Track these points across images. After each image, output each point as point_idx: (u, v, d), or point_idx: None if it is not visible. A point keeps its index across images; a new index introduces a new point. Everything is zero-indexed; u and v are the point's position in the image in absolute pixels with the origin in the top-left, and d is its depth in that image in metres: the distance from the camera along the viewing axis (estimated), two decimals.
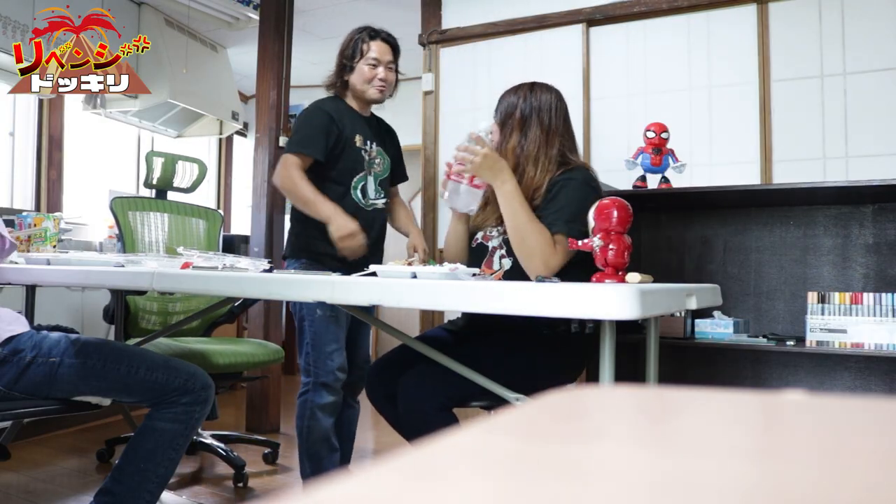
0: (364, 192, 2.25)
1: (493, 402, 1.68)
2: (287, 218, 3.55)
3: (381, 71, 2.23)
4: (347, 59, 2.24)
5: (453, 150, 1.72)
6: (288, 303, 2.24)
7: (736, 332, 2.25)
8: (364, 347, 2.38)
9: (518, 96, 1.83)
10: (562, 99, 1.86)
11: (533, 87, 1.84)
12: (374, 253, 2.30)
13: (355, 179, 2.23)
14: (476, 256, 1.87)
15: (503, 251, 1.80)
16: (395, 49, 2.29)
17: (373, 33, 2.25)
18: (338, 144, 2.20)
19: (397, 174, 2.42)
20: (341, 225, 2.04)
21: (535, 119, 1.79)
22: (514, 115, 1.81)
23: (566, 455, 0.28)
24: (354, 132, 2.24)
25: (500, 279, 1.72)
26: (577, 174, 1.75)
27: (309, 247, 2.21)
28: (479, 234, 1.88)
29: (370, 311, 2.11)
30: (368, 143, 2.28)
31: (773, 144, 2.67)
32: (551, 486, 0.23)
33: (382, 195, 2.31)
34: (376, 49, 2.23)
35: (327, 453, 2.16)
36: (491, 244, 1.84)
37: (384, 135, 2.38)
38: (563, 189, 1.72)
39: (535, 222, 1.65)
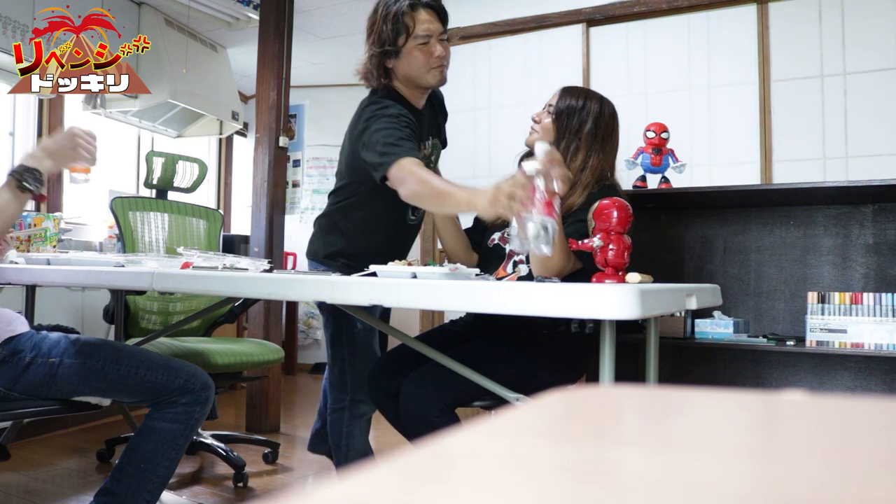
0: (415, 208, 1.88)
1: (496, 402, 1.67)
2: (287, 218, 3.56)
3: (437, 48, 1.77)
4: (389, 41, 1.76)
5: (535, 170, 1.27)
6: (323, 308, 1.96)
7: (736, 332, 2.25)
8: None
9: (587, 107, 1.75)
10: (616, 117, 1.81)
11: (602, 102, 1.78)
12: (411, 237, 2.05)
13: None
14: (490, 256, 1.85)
15: (521, 257, 1.77)
16: (443, 15, 1.81)
17: (412, 2, 1.76)
18: None
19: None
20: (496, 190, 1.37)
21: (599, 142, 1.74)
22: (581, 130, 1.73)
23: (566, 455, 0.28)
24: (421, 139, 1.86)
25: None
26: (612, 192, 1.68)
27: (344, 249, 1.94)
28: (496, 235, 1.86)
29: (373, 311, 2.03)
30: (425, 142, 1.91)
31: (773, 144, 2.67)
32: (552, 485, 0.23)
33: None
34: (424, 20, 1.76)
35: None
36: (509, 247, 1.81)
37: (437, 115, 2.00)
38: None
39: (563, 241, 1.53)
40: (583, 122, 1.73)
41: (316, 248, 2.00)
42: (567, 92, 1.80)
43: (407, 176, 1.60)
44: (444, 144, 2.07)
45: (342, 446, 1.97)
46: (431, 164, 1.94)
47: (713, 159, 2.77)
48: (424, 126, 1.87)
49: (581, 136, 1.73)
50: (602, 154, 1.74)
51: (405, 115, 1.75)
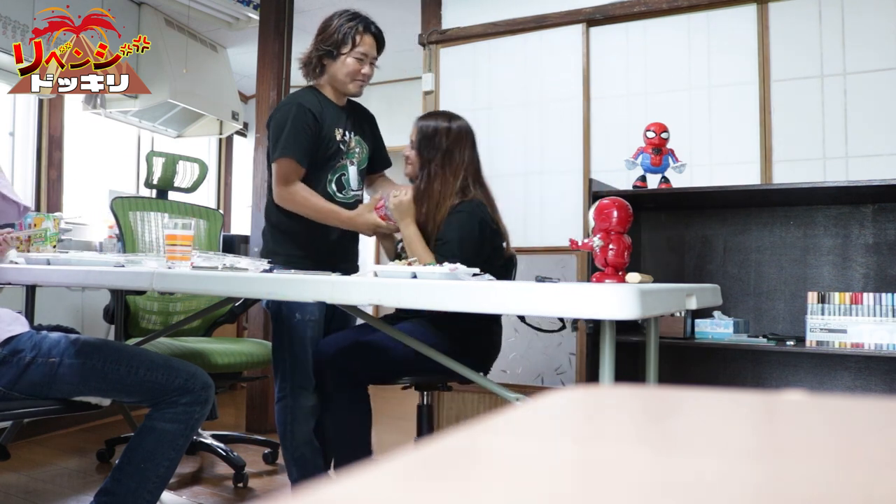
0: (341, 184, 2.19)
1: (414, 380, 1.99)
2: None
3: (366, 67, 2.16)
4: (334, 45, 2.13)
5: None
6: (268, 303, 2.18)
7: (736, 332, 2.25)
8: None
9: (439, 131, 2.02)
10: (470, 130, 2.07)
11: (450, 120, 2.04)
12: (350, 245, 2.28)
13: (331, 172, 2.17)
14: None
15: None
16: (382, 45, 2.22)
17: (366, 25, 2.17)
18: (319, 141, 2.13)
19: (378, 161, 2.36)
20: (364, 223, 2.11)
21: (449, 159, 2.00)
22: (433, 159, 1.99)
23: (567, 455, 0.28)
24: (334, 126, 2.17)
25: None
26: (465, 207, 1.96)
27: (278, 250, 2.18)
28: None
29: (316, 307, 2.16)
30: (347, 133, 2.21)
31: (773, 144, 2.67)
32: (552, 485, 0.23)
33: (361, 185, 2.28)
34: (368, 44, 2.15)
35: (312, 456, 2.15)
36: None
37: (363, 122, 2.31)
38: (452, 222, 1.94)
39: (429, 257, 1.91)
40: (436, 146, 2.01)
41: (268, 251, 2.22)
42: (421, 120, 2.08)
43: (286, 193, 2.08)
44: (387, 163, 2.39)
45: (287, 432, 2.13)
46: (354, 155, 2.22)
47: (713, 159, 2.77)
48: (339, 118, 2.20)
49: (434, 161, 2.00)
50: (449, 171, 2.00)
51: (309, 110, 2.10)
